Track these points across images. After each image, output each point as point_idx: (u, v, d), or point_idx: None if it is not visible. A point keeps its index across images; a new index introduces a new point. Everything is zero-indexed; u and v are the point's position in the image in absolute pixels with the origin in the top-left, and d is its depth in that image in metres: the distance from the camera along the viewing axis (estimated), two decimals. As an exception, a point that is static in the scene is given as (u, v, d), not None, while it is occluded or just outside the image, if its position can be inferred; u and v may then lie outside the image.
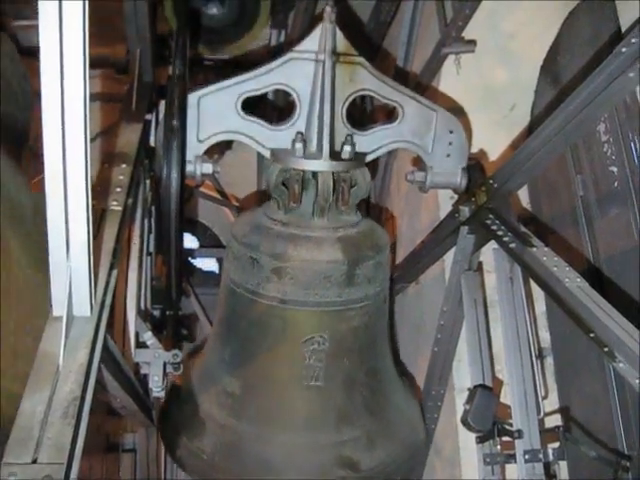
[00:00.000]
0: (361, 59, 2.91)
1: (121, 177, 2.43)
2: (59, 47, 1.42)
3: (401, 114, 3.04)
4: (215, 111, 2.90)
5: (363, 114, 4.64)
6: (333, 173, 2.88)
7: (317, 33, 2.84)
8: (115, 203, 2.28)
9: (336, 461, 3.10)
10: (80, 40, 1.44)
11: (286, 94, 3.01)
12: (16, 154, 3.21)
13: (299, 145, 2.83)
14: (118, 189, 2.36)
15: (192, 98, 2.85)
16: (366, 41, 5.05)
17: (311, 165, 2.86)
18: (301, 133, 2.88)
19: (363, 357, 3.17)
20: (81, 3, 1.40)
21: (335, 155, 2.85)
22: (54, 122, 1.50)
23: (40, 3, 1.37)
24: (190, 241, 6.58)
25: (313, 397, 3.10)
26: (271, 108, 4.78)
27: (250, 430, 3.11)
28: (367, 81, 2.94)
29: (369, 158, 3.07)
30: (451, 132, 3.10)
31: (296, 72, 2.88)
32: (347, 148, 2.84)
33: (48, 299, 1.76)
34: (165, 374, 2.96)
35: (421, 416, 3.54)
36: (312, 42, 2.85)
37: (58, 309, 1.75)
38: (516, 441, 2.79)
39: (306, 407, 3.14)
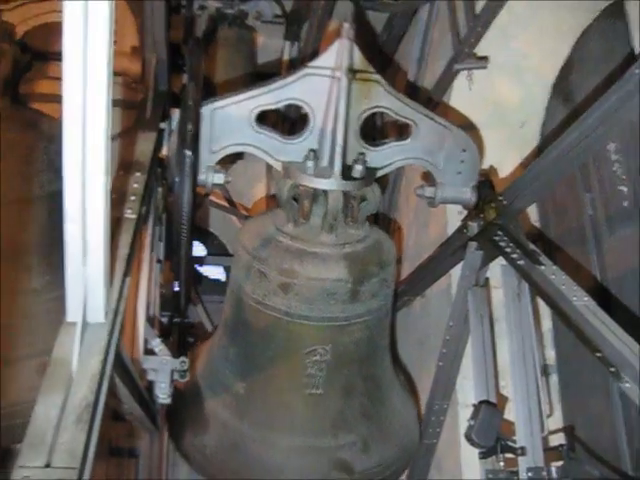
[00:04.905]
0: (377, 76, 2.89)
1: (135, 185, 2.45)
2: (83, 52, 1.43)
3: (415, 131, 3.05)
4: (229, 123, 2.91)
5: (373, 128, 4.65)
6: (343, 191, 2.89)
7: (334, 49, 2.80)
8: (130, 211, 2.30)
9: (332, 464, 3.25)
10: (105, 45, 1.44)
11: (299, 106, 3.01)
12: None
13: (310, 163, 2.85)
14: (133, 197, 2.38)
15: (206, 110, 2.86)
16: (381, 56, 5.05)
17: (322, 184, 2.88)
18: (313, 150, 2.88)
19: (363, 366, 3.27)
20: (107, 5, 1.40)
21: (346, 172, 2.85)
22: (75, 129, 1.51)
23: (65, 5, 1.36)
24: (198, 249, 6.59)
25: (313, 404, 3.21)
26: (283, 120, 4.80)
27: (251, 431, 3.24)
28: (383, 99, 2.94)
29: (380, 173, 3.08)
30: (464, 150, 3.10)
31: (311, 88, 2.87)
32: (358, 167, 2.87)
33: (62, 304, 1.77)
34: (172, 381, 2.97)
35: (417, 419, 3.67)
36: (328, 58, 2.82)
37: (72, 315, 1.76)
38: (519, 458, 2.76)
39: (305, 413, 3.26)
